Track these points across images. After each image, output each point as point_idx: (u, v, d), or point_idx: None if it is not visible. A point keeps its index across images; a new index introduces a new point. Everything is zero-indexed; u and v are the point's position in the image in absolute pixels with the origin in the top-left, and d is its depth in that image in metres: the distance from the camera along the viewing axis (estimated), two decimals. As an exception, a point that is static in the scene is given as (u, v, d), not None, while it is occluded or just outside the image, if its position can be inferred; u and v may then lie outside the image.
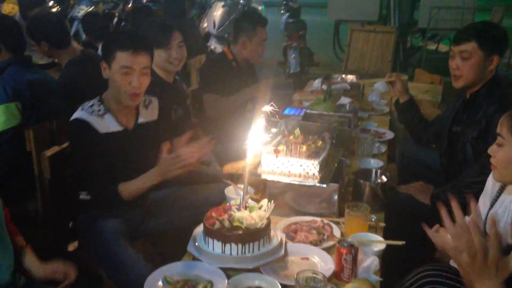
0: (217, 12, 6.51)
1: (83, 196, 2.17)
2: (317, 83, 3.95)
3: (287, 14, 7.05)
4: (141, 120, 2.23)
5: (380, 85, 3.95)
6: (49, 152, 2.18)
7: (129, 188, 2.05)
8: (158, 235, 2.13)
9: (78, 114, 2.08)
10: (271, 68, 6.65)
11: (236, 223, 1.68)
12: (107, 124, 2.10)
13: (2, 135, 2.45)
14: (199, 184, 2.40)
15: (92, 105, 2.12)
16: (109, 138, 2.09)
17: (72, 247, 2.30)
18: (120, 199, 2.04)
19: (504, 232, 1.60)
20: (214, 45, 6.11)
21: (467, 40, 2.33)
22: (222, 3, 6.60)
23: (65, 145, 2.26)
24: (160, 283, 1.58)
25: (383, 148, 2.73)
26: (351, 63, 5.89)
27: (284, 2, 7.29)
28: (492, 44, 2.33)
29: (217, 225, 1.68)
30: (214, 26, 6.23)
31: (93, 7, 7.09)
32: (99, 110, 2.10)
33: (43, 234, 2.23)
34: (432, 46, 6.60)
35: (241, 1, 6.92)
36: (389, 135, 3.01)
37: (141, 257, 1.92)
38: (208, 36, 6.31)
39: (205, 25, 6.43)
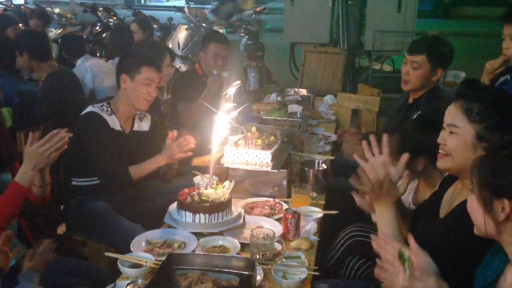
0: (181, 34, 6.94)
1: (78, 182, 2.54)
2: (273, 96, 4.43)
3: (246, 36, 7.58)
4: (135, 128, 2.67)
5: (328, 98, 4.48)
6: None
7: (138, 170, 2.50)
8: (139, 217, 2.51)
9: (90, 109, 2.51)
10: (233, 86, 7.10)
11: (204, 198, 2.10)
12: (112, 122, 2.53)
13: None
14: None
15: (102, 105, 2.54)
16: (114, 133, 2.52)
17: (60, 230, 2.64)
18: (130, 180, 2.47)
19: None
20: (179, 65, 6.53)
21: (419, 52, 2.72)
22: (186, 26, 7.05)
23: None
24: (143, 243, 1.97)
25: (327, 148, 3.21)
26: (306, 81, 6.43)
27: (243, 26, 7.83)
28: (439, 59, 2.73)
29: (189, 199, 2.09)
30: (179, 47, 6.66)
31: (61, 29, 7.44)
32: (107, 110, 2.53)
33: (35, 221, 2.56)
34: (377, 66, 7.26)
35: (203, 25, 7.41)
36: (333, 138, 3.50)
37: (139, 226, 2.30)
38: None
39: (170, 46, 6.86)
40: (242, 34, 7.83)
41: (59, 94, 3.38)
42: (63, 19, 8.23)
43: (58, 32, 7.36)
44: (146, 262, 1.76)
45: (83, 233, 2.52)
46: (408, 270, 1.30)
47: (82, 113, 2.53)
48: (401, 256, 1.33)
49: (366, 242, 1.71)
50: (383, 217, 1.62)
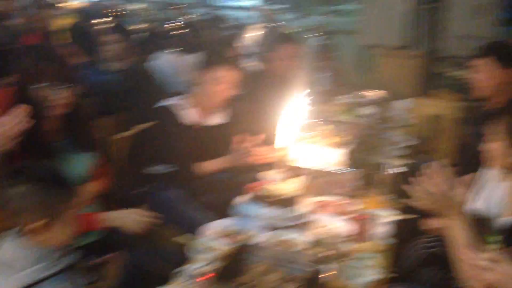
0: (253, 33, 7.01)
1: (152, 170, 2.63)
2: (344, 97, 4.34)
3: (318, 37, 7.50)
4: (211, 122, 2.69)
5: (405, 102, 4.34)
6: (118, 136, 2.65)
7: (205, 167, 2.55)
8: (211, 206, 2.52)
9: (164, 102, 2.57)
10: (302, 87, 7.06)
11: (274, 191, 2.07)
12: (187, 116, 2.57)
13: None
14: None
15: (178, 98, 2.60)
16: (185, 128, 2.56)
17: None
18: (195, 174, 2.51)
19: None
20: (249, 64, 6.58)
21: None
22: (257, 26, 7.10)
23: (130, 132, 2.74)
24: (214, 231, 1.97)
25: (403, 152, 3.08)
26: (379, 84, 6.26)
27: (315, 27, 7.76)
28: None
29: (260, 192, 2.08)
30: (250, 47, 6.71)
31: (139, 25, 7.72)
32: (184, 104, 2.58)
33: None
34: (454, 72, 6.93)
35: (276, 24, 7.43)
36: (411, 142, 3.36)
37: (212, 214, 2.31)
38: (242, 55, 6.80)
39: (241, 45, 6.93)
40: (314, 35, 7.78)
41: (139, 84, 3.51)
42: (141, 15, 8.56)
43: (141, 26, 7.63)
44: (216, 248, 1.76)
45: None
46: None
47: (155, 106, 2.58)
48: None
49: (445, 252, 1.63)
50: (451, 230, 1.57)
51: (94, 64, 3.14)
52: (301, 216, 2.07)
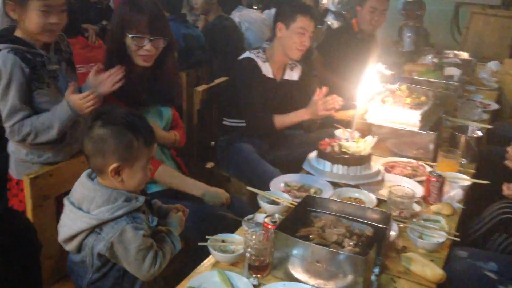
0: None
1: (226, 122, 2.73)
2: (429, 58, 4.15)
3: (405, -6, 7.12)
4: (286, 77, 2.74)
5: (492, 64, 4.07)
6: (199, 89, 2.76)
7: (282, 120, 2.60)
8: (279, 162, 2.61)
9: (247, 54, 2.64)
10: (385, 46, 6.81)
11: (343, 149, 2.09)
12: (266, 69, 2.63)
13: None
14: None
15: (258, 52, 2.66)
16: (265, 81, 2.62)
17: (209, 165, 2.87)
18: (273, 127, 2.58)
19: None
20: (331, 21, 6.44)
21: None
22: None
23: (211, 84, 2.84)
24: (282, 185, 2.05)
25: (485, 116, 2.94)
26: (468, 45, 5.88)
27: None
28: None
29: (329, 149, 2.11)
30: (333, 2, 6.53)
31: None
32: (262, 57, 2.64)
33: (187, 154, 2.83)
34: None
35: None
36: (493, 106, 3.18)
37: (278, 170, 2.41)
38: (326, 11, 6.66)
39: (325, 1, 6.77)
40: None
41: (221, 38, 3.60)
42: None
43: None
44: (283, 200, 1.84)
45: (228, 170, 2.71)
46: None
47: (239, 58, 2.66)
48: None
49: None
50: None
51: (178, 18, 3.25)
52: (371, 175, 2.08)
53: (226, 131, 2.74)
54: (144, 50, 1.95)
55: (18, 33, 1.87)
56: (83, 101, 1.80)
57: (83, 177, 1.45)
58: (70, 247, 1.42)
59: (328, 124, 2.76)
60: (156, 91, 2.09)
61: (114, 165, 1.37)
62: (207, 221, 1.88)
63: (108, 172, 1.38)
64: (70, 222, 1.40)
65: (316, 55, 3.71)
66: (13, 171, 2.02)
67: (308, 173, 2.14)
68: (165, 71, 2.08)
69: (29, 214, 1.64)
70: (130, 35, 1.93)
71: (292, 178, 2.11)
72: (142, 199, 1.43)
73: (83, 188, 1.42)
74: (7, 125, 1.84)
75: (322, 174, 2.09)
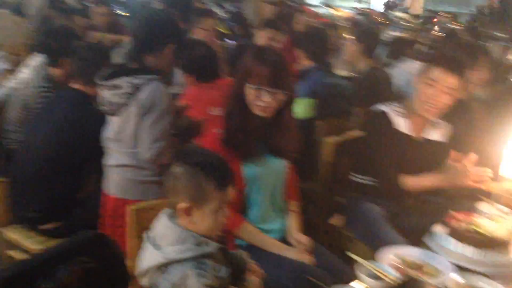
0: None
1: (356, 178, 2.57)
2: None
3: None
4: (427, 135, 2.45)
5: None
6: (333, 140, 2.70)
7: (416, 182, 2.34)
8: (408, 229, 2.33)
9: (380, 106, 2.45)
10: None
11: (475, 227, 1.78)
12: (402, 125, 2.41)
13: (302, 123, 3.07)
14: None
15: (395, 104, 2.46)
16: (400, 137, 2.40)
17: (333, 221, 2.73)
18: (401, 189, 2.34)
19: None
20: None
21: None
22: None
23: (345, 136, 2.75)
24: (392, 257, 1.81)
25: None
26: None
27: None
28: None
29: (457, 224, 1.82)
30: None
31: (400, 32, 7.59)
32: (399, 111, 2.43)
33: (312, 209, 2.74)
34: None
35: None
36: None
37: (403, 239, 2.18)
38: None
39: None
40: None
41: (369, 90, 3.47)
42: (403, 23, 8.41)
43: (396, 34, 7.54)
44: (387, 277, 1.62)
45: (355, 230, 2.53)
46: None
47: (370, 109, 2.51)
48: None
49: None
50: None
51: (322, 66, 3.25)
52: (507, 263, 1.72)
53: (353, 187, 2.57)
54: (262, 101, 1.93)
55: None
56: None
57: (163, 213, 1.49)
58: (143, 282, 1.45)
59: (467, 193, 2.39)
60: (271, 143, 2.04)
61: (183, 205, 1.40)
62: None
63: (178, 211, 1.40)
64: (144, 257, 1.44)
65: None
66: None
67: (431, 249, 1.87)
68: (282, 123, 2.03)
69: (128, 243, 1.74)
70: (249, 85, 1.94)
71: (408, 251, 1.86)
72: (214, 245, 1.41)
73: (159, 224, 1.47)
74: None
75: (444, 252, 1.80)
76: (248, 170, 1.97)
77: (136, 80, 2.23)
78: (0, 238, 2.43)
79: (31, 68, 2.91)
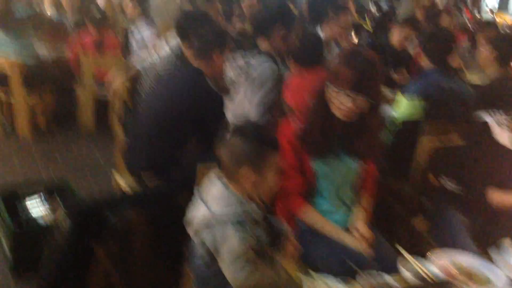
0: None
1: (446, 184, 2.46)
2: None
3: None
4: None
5: None
6: (432, 143, 2.65)
7: (503, 198, 2.24)
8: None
9: (486, 116, 2.36)
10: None
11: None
12: (503, 136, 2.31)
13: (405, 124, 3.03)
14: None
15: (502, 114, 2.33)
16: (498, 148, 2.30)
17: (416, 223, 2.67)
18: (485, 200, 2.26)
19: None
20: None
21: None
22: None
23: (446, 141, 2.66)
24: (446, 260, 1.78)
25: None
26: None
27: None
28: None
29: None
30: None
31: None
32: (504, 122, 2.32)
33: (398, 209, 2.72)
34: None
35: None
36: None
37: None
38: None
39: None
40: None
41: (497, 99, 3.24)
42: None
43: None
44: (427, 274, 1.63)
45: (434, 236, 2.48)
46: None
47: (475, 119, 2.41)
48: None
49: None
50: None
51: (441, 70, 3.13)
52: None
53: (444, 193, 2.50)
54: (342, 104, 1.91)
55: None
56: None
57: (214, 176, 1.67)
58: (189, 230, 1.64)
59: None
60: (348, 145, 2.03)
61: (245, 170, 1.57)
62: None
63: (239, 176, 1.58)
64: (193, 210, 1.64)
65: None
66: None
67: (495, 261, 1.79)
68: (363, 127, 1.99)
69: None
70: (332, 86, 1.91)
71: (466, 258, 1.82)
72: (257, 211, 1.58)
73: (211, 185, 1.65)
74: None
75: (504, 266, 1.72)
76: (317, 166, 2.01)
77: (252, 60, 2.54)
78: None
79: (169, 47, 3.34)
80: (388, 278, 1.68)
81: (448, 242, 2.28)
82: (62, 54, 5.30)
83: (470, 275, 1.71)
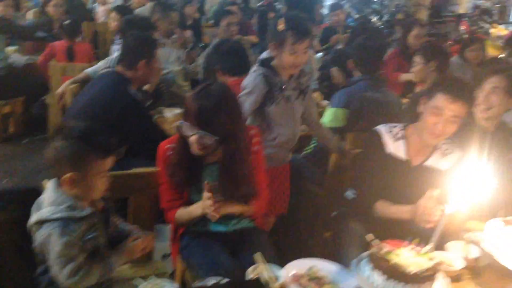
0: None
1: (348, 193, 2.56)
2: None
3: None
4: (429, 162, 2.29)
5: None
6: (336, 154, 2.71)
7: (386, 209, 2.23)
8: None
9: (380, 126, 2.36)
10: None
11: (389, 256, 1.69)
12: (396, 147, 2.30)
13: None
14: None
15: (395, 126, 2.35)
16: (389, 160, 2.29)
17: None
18: (372, 213, 2.26)
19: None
20: None
21: None
22: None
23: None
24: (305, 267, 1.81)
25: None
26: None
27: None
28: None
29: (375, 250, 1.72)
30: None
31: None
32: (397, 133, 2.33)
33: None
34: None
35: None
36: None
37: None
38: None
39: None
40: None
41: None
42: None
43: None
44: (273, 281, 1.68)
45: (336, 244, 2.50)
46: None
47: (372, 129, 2.42)
48: None
49: None
50: None
51: (369, 79, 3.18)
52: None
53: (346, 202, 2.54)
54: (190, 139, 1.95)
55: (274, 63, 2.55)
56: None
57: (50, 181, 1.71)
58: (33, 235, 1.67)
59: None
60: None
61: (68, 175, 1.60)
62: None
63: (62, 180, 1.60)
64: (32, 216, 1.66)
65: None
66: None
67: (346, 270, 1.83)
68: (234, 167, 2.02)
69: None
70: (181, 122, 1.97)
71: (326, 265, 1.84)
72: (87, 211, 1.63)
73: (46, 189, 1.70)
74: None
75: (359, 275, 1.74)
76: (192, 194, 2.10)
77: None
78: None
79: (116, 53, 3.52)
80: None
81: (340, 251, 2.31)
82: (34, 62, 5.43)
83: (322, 283, 1.74)
